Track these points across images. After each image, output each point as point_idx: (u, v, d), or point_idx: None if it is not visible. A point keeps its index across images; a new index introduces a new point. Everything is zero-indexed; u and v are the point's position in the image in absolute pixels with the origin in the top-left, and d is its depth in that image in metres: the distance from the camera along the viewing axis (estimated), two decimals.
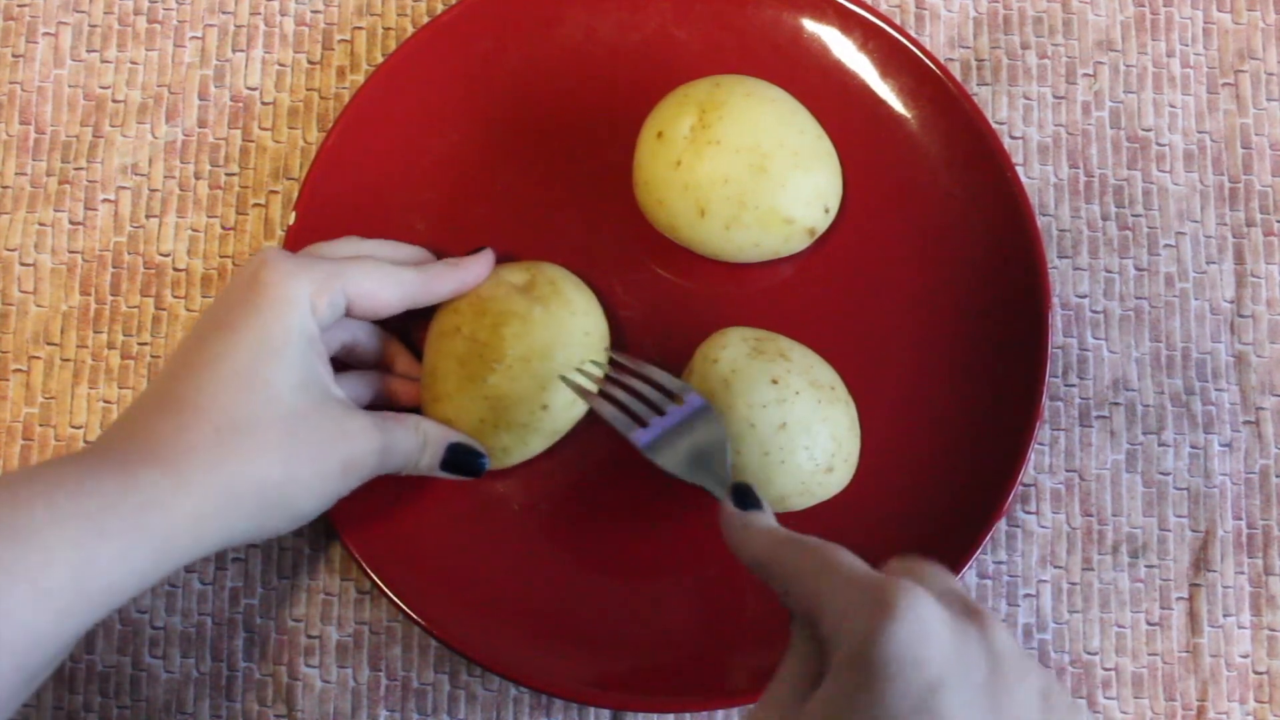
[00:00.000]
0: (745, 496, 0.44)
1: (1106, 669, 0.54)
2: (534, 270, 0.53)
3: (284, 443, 0.44)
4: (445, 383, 0.51)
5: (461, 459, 0.50)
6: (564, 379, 0.50)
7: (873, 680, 0.34)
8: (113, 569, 0.41)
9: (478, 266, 0.52)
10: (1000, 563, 0.55)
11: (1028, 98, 0.58)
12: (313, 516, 0.47)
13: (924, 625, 0.35)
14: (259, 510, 0.44)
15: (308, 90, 0.58)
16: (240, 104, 0.58)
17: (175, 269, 0.57)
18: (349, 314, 0.49)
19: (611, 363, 0.51)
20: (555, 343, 0.51)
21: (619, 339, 0.55)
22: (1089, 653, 0.54)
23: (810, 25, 0.56)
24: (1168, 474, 0.56)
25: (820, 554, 0.39)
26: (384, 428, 0.48)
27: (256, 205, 0.57)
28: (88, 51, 0.59)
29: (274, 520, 0.45)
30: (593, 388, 0.50)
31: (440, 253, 0.54)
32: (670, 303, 0.55)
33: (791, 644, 0.39)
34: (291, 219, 0.54)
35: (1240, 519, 0.55)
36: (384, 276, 0.49)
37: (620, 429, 0.48)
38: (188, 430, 0.43)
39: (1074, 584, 0.55)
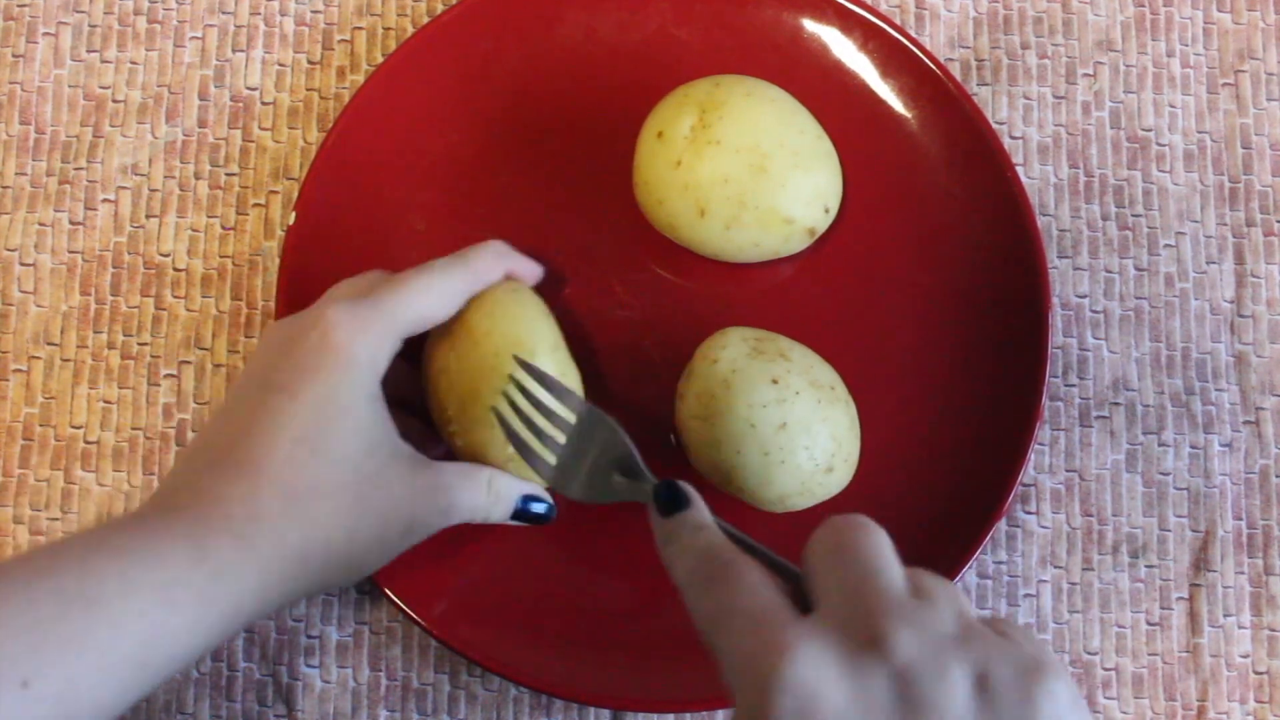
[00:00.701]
0: (671, 496, 0.41)
1: (1106, 669, 0.54)
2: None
3: (350, 507, 0.44)
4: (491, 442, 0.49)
5: (533, 510, 0.50)
6: (495, 411, 0.47)
7: None
8: (178, 640, 0.41)
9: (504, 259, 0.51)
10: (1000, 563, 0.55)
11: (1028, 98, 0.58)
12: (374, 570, 0.47)
13: (809, 688, 0.32)
14: (324, 571, 0.45)
15: (308, 90, 0.58)
16: (240, 104, 0.58)
17: (175, 269, 0.57)
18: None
19: (516, 381, 0.48)
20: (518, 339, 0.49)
21: (619, 338, 0.55)
22: (1089, 653, 0.54)
23: (810, 25, 0.56)
24: (1168, 474, 0.56)
25: (721, 593, 0.36)
26: (453, 485, 0.47)
27: (256, 205, 0.57)
28: (88, 51, 0.59)
29: (337, 578, 0.46)
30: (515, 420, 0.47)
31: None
32: (670, 303, 0.55)
33: None
34: (291, 219, 0.54)
35: (1240, 519, 0.55)
36: (435, 295, 0.48)
37: (542, 475, 0.47)
38: (256, 496, 0.43)
39: (1074, 584, 0.55)
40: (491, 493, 0.48)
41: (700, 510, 0.41)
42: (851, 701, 0.33)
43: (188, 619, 0.41)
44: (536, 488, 0.50)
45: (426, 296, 0.48)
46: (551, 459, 0.47)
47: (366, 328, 0.45)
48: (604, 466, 0.46)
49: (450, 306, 0.49)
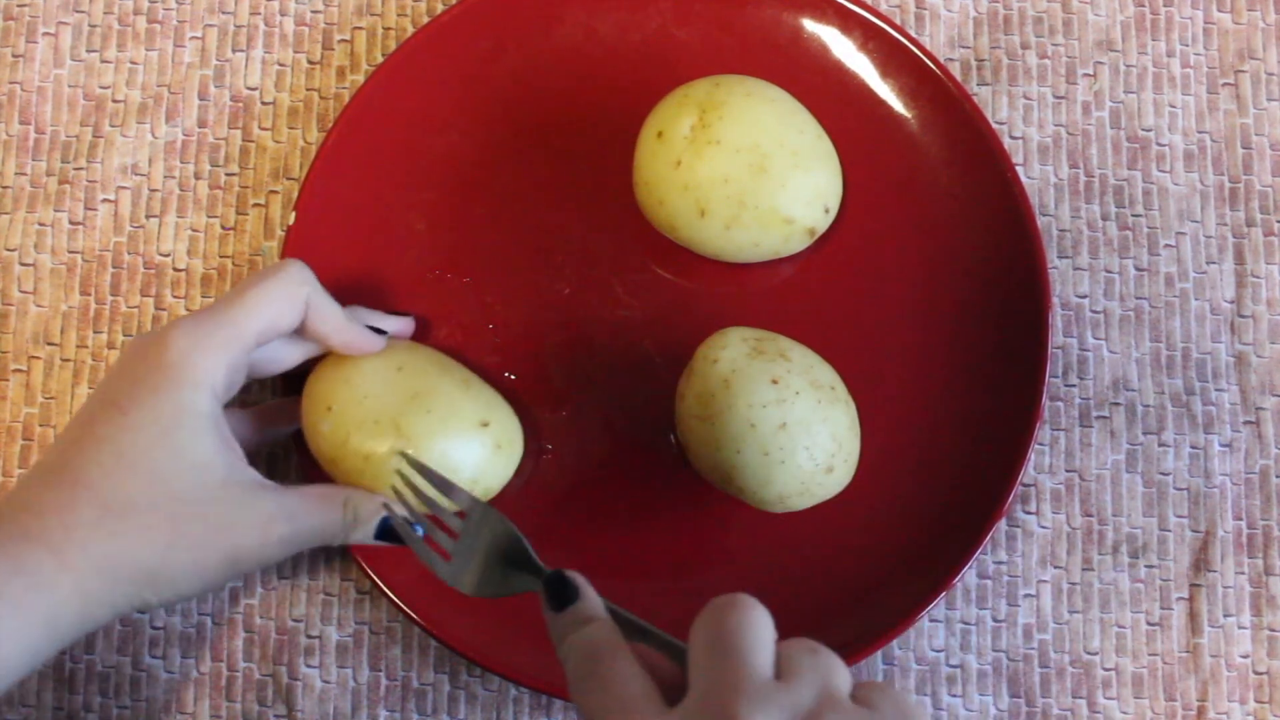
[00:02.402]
0: (561, 587, 0.41)
1: (1106, 669, 0.54)
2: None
3: (164, 527, 0.44)
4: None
5: (396, 530, 0.47)
6: (386, 506, 0.48)
7: None
8: (2, 648, 0.42)
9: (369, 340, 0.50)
10: (1000, 563, 0.55)
11: (1028, 98, 0.58)
12: (198, 596, 0.46)
13: None
14: (140, 587, 0.44)
15: (308, 90, 0.58)
16: (240, 104, 0.58)
17: (175, 269, 0.57)
18: (250, 376, 0.48)
19: (402, 472, 0.47)
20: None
21: (619, 338, 0.55)
22: (1089, 653, 0.54)
23: (810, 25, 0.56)
24: (1168, 474, 0.56)
25: (597, 687, 0.37)
26: (298, 513, 0.46)
27: (256, 205, 0.57)
28: (88, 51, 0.59)
29: (156, 595, 0.45)
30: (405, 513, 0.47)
31: (436, 264, 0.54)
32: (670, 303, 0.55)
33: None
34: (291, 219, 0.54)
35: (1240, 519, 0.55)
36: (276, 297, 0.47)
37: (437, 572, 0.45)
38: (73, 508, 0.43)
39: (1074, 584, 0.55)
40: (349, 513, 0.48)
41: (589, 601, 0.41)
42: None
43: (9, 628, 0.42)
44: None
45: (268, 298, 0.47)
46: (444, 558, 0.45)
47: (204, 344, 0.45)
48: (495, 560, 0.44)
49: (294, 309, 0.48)
